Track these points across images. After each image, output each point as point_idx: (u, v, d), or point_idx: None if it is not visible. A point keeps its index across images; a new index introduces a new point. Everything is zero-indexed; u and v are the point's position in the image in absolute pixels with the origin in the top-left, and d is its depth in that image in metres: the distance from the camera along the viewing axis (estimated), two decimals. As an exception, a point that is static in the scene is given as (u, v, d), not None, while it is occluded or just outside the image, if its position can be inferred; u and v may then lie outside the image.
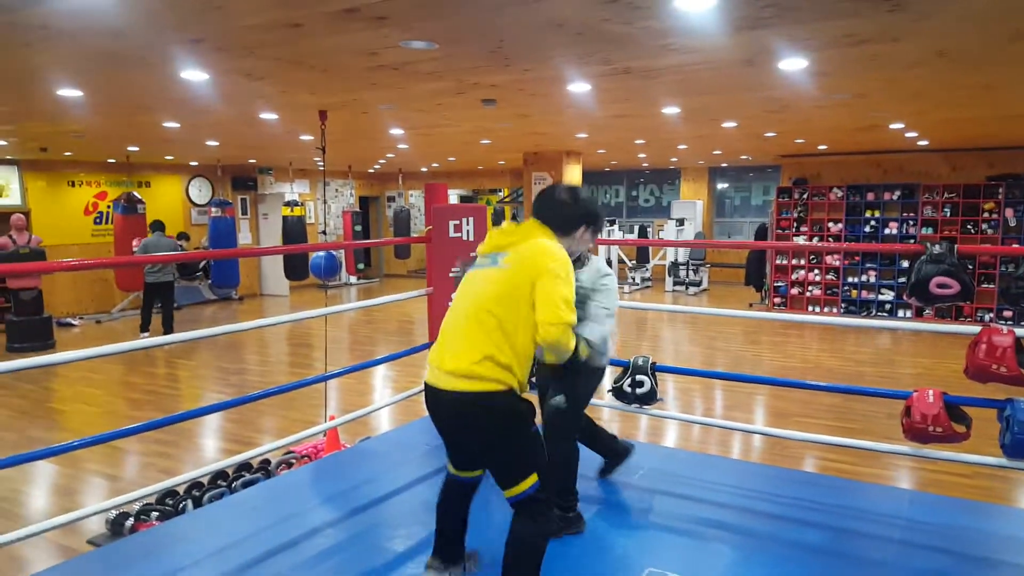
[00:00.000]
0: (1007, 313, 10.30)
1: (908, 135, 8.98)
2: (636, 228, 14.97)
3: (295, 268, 11.49)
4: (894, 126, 8.02)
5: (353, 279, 16.07)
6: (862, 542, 2.69)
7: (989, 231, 10.67)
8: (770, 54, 4.07)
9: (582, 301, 2.42)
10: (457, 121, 7.23)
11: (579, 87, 5.07)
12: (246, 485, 4.27)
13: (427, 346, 4.15)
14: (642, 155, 12.39)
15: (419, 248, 18.26)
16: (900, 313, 11.32)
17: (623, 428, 5.66)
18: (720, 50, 3.97)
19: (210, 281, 12.98)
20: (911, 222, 11.27)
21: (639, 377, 3.41)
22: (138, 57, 3.96)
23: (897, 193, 11.38)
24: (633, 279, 14.70)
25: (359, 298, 14.40)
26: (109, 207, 12.11)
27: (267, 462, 4.70)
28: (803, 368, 8.00)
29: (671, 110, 6.37)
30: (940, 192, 11.05)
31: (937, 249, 2.98)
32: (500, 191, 16.41)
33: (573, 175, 11.08)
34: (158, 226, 9.76)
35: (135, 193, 11.01)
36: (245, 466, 4.57)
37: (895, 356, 8.88)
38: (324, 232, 6.79)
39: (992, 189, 10.68)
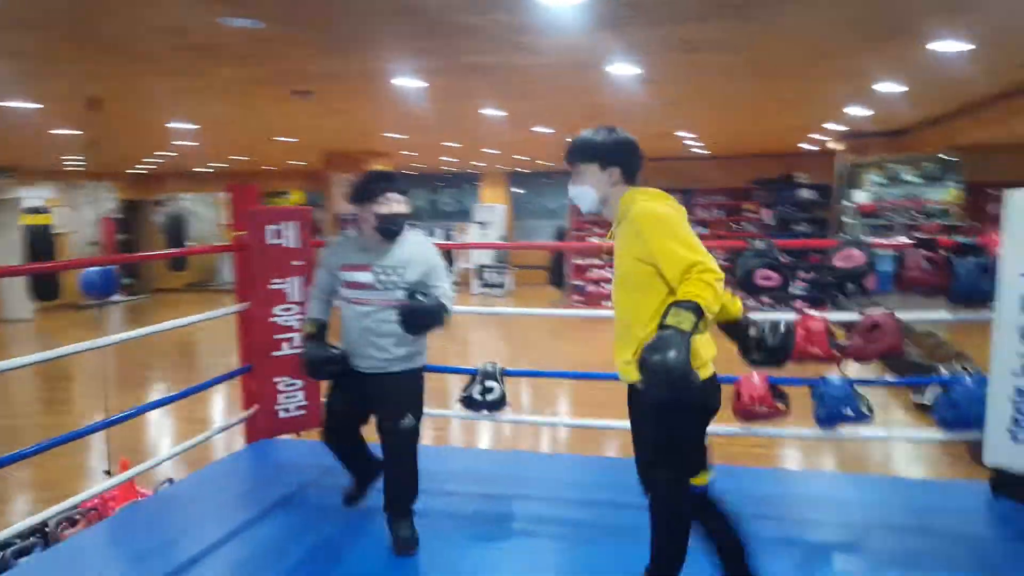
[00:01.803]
0: (798, 304, 11.79)
1: (688, 142, 9.87)
2: (443, 232, 14.82)
3: (44, 287, 9.59)
4: (681, 134, 8.75)
5: (117, 296, 13.83)
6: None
7: (751, 229, 12.21)
8: (610, 56, 4.09)
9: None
10: (257, 115, 6.48)
11: (408, 82, 4.75)
12: (20, 555, 3.33)
13: (246, 370, 3.51)
14: (448, 158, 12.29)
15: (198, 259, 16.24)
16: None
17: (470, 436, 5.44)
18: (566, 51, 3.91)
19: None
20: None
21: (488, 383, 3.36)
22: None
23: (677, 196, 12.51)
24: (439, 283, 14.52)
25: (126, 318, 12.48)
26: None
27: (44, 524, 3.71)
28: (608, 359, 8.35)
29: (496, 113, 6.27)
30: (712, 195, 12.40)
31: (760, 244, 3.24)
32: (287, 193, 15.35)
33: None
34: None
35: None
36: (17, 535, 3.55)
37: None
38: (96, 243, 5.64)
39: (753, 192, 12.22)
